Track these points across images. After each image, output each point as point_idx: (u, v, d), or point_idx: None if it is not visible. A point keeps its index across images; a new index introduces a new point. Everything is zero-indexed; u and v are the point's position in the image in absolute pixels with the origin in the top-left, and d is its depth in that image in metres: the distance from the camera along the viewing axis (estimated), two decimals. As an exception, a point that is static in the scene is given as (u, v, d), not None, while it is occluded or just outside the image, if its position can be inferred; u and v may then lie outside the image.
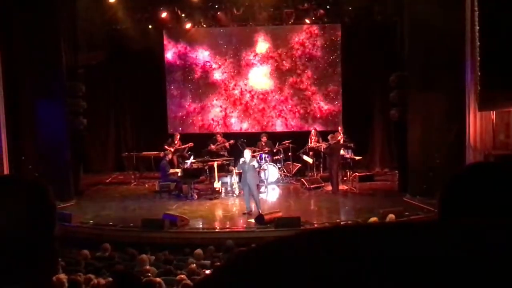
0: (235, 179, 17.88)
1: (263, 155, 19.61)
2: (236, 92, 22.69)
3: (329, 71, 22.43)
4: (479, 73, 11.82)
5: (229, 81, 22.71)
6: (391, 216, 13.32)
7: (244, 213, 15.55)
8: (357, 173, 19.47)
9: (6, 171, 14.92)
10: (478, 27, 11.75)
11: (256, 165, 15.83)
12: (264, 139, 20.31)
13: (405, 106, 17.04)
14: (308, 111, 22.62)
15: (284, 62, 22.50)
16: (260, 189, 17.61)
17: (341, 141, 18.87)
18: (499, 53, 11.35)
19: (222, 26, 22.30)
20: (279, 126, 22.66)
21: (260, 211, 15.04)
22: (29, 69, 16.47)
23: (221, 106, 22.78)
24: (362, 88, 21.52)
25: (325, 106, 22.53)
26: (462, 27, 14.13)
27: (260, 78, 22.62)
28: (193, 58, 22.73)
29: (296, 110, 22.65)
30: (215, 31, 22.60)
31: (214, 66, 22.67)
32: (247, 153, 15.78)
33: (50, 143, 16.79)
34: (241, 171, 15.87)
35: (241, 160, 15.82)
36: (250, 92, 22.66)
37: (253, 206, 15.53)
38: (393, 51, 18.50)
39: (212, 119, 22.86)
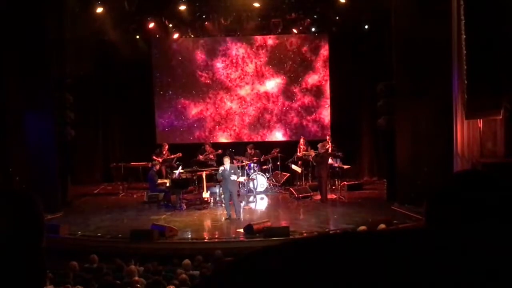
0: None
1: (252, 165, 19.62)
2: (224, 102, 22.74)
3: (317, 80, 22.48)
4: (465, 82, 11.87)
5: (217, 92, 22.73)
6: (382, 226, 13.33)
7: (225, 219, 15.84)
8: (345, 182, 19.51)
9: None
10: (464, 36, 11.80)
11: (235, 177, 15.87)
12: (250, 150, 20.31)
13: (392, 115, 17.10)
14: (294, 120, 22.66)
15: (272, 71, 22.56)
16: (240, 195, 17.85)
17: (330, 150, 18.93)
18: (485, 61, 11.40)
19: (210, 36, 22.35)
20: (267, 136, 22.68)
21: (240, 218, 15.54)
22: (17, 80, 16.40)
23: (209, 116, 22.81)
24: (350, 97, 21.63)
25: (313, 115, 22.59)
26: (449, 36, 14.19)
27: (246, 88, 22.65)
28: (181, 69, 22.73)
29: (283, 119, 22.69)
30: (202, 40, 22.65)
31: (202, 77, 22.70)
32: (227, 160, 15.97)
33: (37, 154, 16.72)
34: (221, 178, 16.01)
35: (221, 168, 16.05)
36: (237, 101, 22.71)
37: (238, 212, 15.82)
38: (381, 60, 18.56)
39: (200, 129, 22.87)
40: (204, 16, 21.24)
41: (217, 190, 18.19)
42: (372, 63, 20.11)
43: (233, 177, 15.74)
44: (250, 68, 22.62)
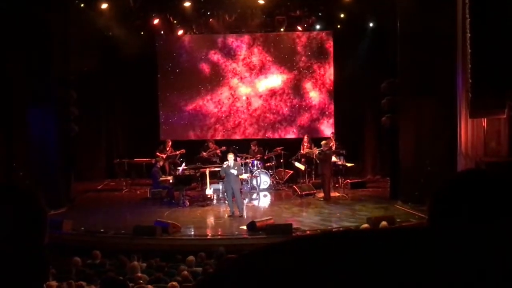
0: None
1: (255, 162, 19.61)
2: (229, 99, 22.75)
3: (321, 78, 22.47)
4: (470, 81, 11.86)
5: (221, 88, 22.74)
6: (384, 224, 13.33)
7: (228, 216, 15.84)
8: (349, 180, 19.51)
9: (-3, 178, 14.88)
10: (469, 35, 11.80)
11: (236, 172, 15.92)
12: (254, 147, 20.32)
13: (396, 113, 17.07)
14: (298, 118, 22.66)
15: (276, 69, 22.55)
16: (243, 193, 17.90)
17: (333, 148, 18.93)
18: (490, 60, 11.39)
19: (215, 33, 22.35)
20: (271, 133, 22.69)
21: (243, 215, 15.59)
22: (21, 76, 16.39)
23: (213, 113, 22.82)
24: (354, 94, 21.60)
25: (315, 113, 22.59)
26: (454, 34, 14.17)
27: (251, 85, 22.66)
28: (186, 65, 22.74)
29: (287, 116, 22.69)
30: (207, 37, 22.65)
31: (207, 73, 22.71)
32: (231, 157, 15.99)
33: (41, 150, 16.74)
34: (224, 174, 16.02)
35: (225, 164, 16.05)
36: (241, 99, 22.72)
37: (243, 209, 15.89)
38: (385, 58, 18.53)
39: (204, 126, 22.88)
40: (208, 13, 21.24)
41: (220, 187, 18.19)
42: (376, 61, 20.08)
43: (233, 171, 15.74)
44: (255, 65, 22.59)
